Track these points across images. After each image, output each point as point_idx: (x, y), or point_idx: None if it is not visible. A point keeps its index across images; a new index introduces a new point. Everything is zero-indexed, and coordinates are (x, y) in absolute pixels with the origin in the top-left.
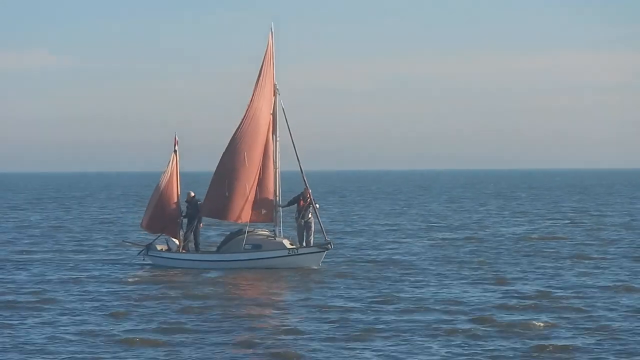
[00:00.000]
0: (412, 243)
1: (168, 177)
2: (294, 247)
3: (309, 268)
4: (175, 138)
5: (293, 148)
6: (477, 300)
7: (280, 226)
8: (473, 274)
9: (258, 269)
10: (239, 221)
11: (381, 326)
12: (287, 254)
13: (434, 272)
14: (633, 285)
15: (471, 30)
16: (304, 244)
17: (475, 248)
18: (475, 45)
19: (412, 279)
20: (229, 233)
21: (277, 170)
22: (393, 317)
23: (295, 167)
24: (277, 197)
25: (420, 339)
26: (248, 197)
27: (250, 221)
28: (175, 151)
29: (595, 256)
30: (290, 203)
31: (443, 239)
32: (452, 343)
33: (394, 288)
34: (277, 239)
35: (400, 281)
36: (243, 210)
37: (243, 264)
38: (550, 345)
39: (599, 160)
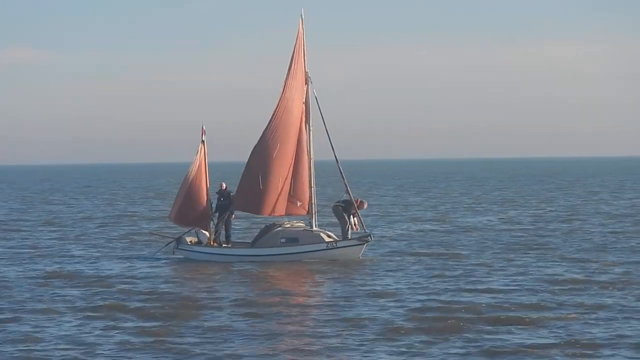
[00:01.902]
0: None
1: (197, 168)
2: (332, 240)
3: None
4: (202, 128)
5: (327, 137)
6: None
7: (315, 218)
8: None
9: (295, 262)
10: (274, 215)
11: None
12: (325, 248)
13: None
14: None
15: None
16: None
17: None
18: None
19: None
20: (263, 226)
21: (312, 160)
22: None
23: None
24: (312, 188)
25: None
26: (282, 189)
27: (285, 214)
28: (203, 141)
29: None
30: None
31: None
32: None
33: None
34: (314, 231)
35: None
36: (277, 203)
37: (279, 258)
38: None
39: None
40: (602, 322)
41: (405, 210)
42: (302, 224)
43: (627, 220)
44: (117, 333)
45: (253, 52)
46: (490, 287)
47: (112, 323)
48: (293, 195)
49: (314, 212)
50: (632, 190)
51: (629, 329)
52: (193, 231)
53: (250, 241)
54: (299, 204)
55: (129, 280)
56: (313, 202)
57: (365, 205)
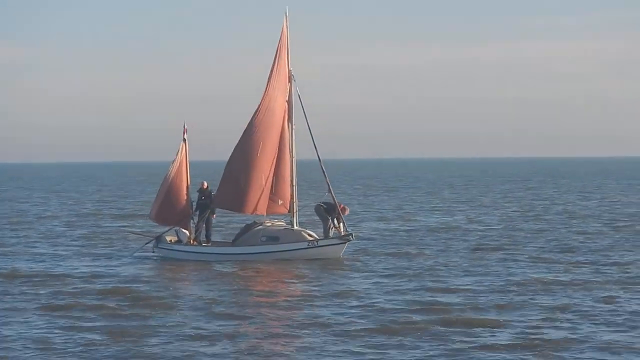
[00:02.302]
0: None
1: (177, 166)
2: (313, 238)
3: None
4: (184, 126)
5: (310, 136)
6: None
7: (296, 217)
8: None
9: (274, 262)
10: (255, 213)
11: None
12: (306, 246)
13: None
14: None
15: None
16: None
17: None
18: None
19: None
20: (244, 225)
21: (294, 159)
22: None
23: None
24: (294, 187)
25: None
26: (264, 188)
27: (266, 213)
28: (184, 140)
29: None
30: (321, 215)
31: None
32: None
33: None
34: (295, 230)
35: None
36: (259, 201)
37: (260, 257)
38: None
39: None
40: (568, 323)
41: (370, 208)
42: (282, 223)
43: (593, 221)
44: (86, 333)
45: (235, 51)
46: (456, 287)
47: (84, 324)
48: (275, 193)
49: (295, 211)
50: (600, 192)
51: (594, 330)
52: (173, 230)
53: (230, 240)
54: (280, 202)
55: (106, 279)
56: (294, 200)
57: (347, 211)
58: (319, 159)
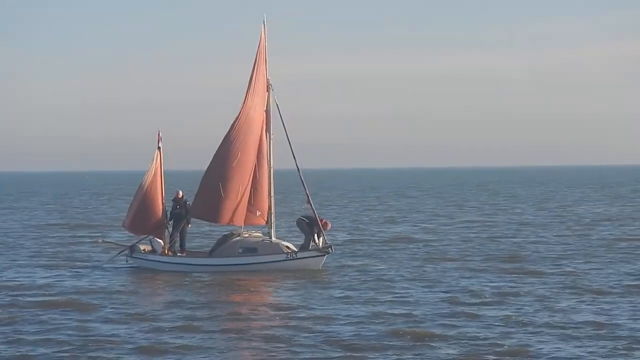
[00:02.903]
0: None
1: (152, 175)
2: (291, 250)
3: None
4: (158, 134)
5: (289, 145)
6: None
7: (274, 228)
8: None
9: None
10: (233, 224)
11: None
12: (285, 258)
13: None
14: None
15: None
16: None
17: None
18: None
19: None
20: (221, 236)
21: (272, 169)
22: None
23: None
24: (272, 198)
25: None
26: (242, 198)
27: (244, 224)
28: (159, 148)
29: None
30: (303, 229)
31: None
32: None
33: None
34: (273, 241)
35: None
36: (237, 212)
37: (238, 268)
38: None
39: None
40: (518, 334)
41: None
42: (260, 234)
43: (547, 230)
44: (50, 345)
45: (215, 60)
46: (406, 298)
47: (51, 336)
48: (253, 204)
49: (272, 222)
50: (553, 201)
51: (543, 341)
52: (147, 239)
53: (204, 250)
54: (258, 213)
55: (75, 290)
56: (272, 212)
57: (329, 226)
58: (298, 169)
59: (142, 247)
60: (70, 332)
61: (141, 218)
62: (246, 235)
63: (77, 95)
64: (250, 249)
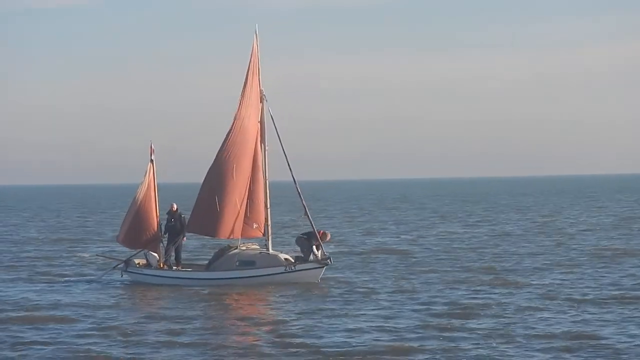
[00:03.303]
0: None
1: (145, 188)
2: (290, 262)
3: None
4: (151, 147)
5: (284, 157)
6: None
7: (271, 240)
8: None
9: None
10: (230, 237)
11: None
12: (283, 271)
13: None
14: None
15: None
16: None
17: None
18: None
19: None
20: (218, 249)
21: (267, 181)
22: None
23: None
24: (268, 210)
25: None
26: (239, 211)
27: (241, 236)
28: (151, 161)
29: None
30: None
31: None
32: None
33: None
34: (271, 253)
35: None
36: (234, 225)
37: (236, 282)
38: None
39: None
40: (499, 346)
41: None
42: (257, 246)
43: (528, 240)
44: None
45: (215, 60)
46: (375, 311)
47: (40, 352)
48: (249, 217)
49: (269, 234)
50: (519, 213)
51: (525, 353)
52: (142, 253)
53: (200, 263)
54: (254, 225)
55: (67, 305)
56: (268, 223)
57: (329, 237)
58: (294, 180)
59: (137, 261)
60: (49, 347)
61: (135, 232)
62: (243, 247)
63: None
64: (248, 262)
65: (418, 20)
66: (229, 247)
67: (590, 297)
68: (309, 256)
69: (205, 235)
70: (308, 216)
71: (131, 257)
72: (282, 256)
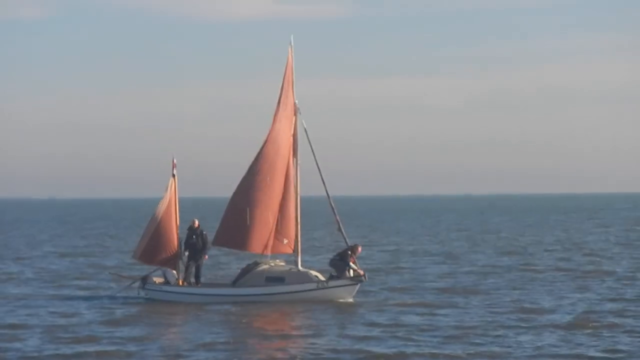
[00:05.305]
0: None
1: (166, 204)
2: (322, 279)
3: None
4: (173, 161)
5: (318, 171)
6: None
7: (300, 256)
8: None
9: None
10: (262, 252)
11: None
12: (315, 287)
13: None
14: None
15: None
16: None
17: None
18: None
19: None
20: (244, 265)
21: (298, 195)
22: None
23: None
24: (298, 225)
25: None
26: (272, 225)
27: (272, 252)
28: (173, 175)
29: None
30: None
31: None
32: None
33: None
34: (301, 270)
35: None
36: (268, 240)
37: (264, 299)
38: None
39: None
40: None
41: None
42: (284, 263)
43: (500, 259)
44: None
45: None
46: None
47: None
48: (280, 231)
49: (299, 250)
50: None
51: None
52: (160, 271)
53: (223, 282)
54: (285, 241)
55: (86, 321)
56: (298, 239)
57: (360, 249)
58: (328, 195)
59: (155, 279)
60: None
61: (154, 248)
62: (271, 264)
63: None
64: (278, 279)
65: (469, 36)
66: (257, 263)
67: (564, 315)
68: (343, 272)
69: (233, 248)
70: (342, 232)
71: (149, 274)
72: (314, 273)
